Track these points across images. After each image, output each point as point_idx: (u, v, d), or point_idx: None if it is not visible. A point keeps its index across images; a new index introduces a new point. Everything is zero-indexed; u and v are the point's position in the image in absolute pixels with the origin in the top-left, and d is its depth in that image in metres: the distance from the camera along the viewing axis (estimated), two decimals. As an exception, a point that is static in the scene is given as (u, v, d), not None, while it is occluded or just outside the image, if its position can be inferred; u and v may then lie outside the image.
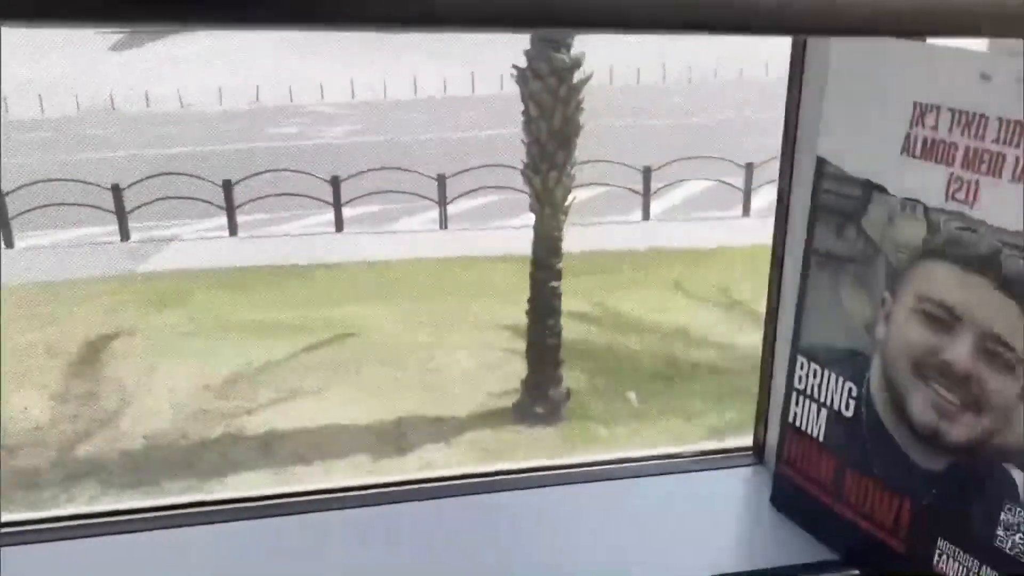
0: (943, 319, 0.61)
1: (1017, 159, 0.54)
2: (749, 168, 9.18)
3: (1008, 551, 0.60)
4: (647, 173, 9.17)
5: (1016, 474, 0.59)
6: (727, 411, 5.56)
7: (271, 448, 5.24)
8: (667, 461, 0.88)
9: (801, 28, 0.36)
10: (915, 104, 0.60)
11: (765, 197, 8.97)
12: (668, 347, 6.46)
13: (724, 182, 9.48)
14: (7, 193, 8.01)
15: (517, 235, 7.15)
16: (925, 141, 0.60)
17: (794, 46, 0.71)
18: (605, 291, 7.19)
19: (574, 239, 5.88)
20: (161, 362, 6.07)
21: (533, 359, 5.60)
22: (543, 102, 5.12)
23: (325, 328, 6.49)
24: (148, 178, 8.40)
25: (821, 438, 0.74)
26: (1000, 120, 0.55)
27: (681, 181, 9.62)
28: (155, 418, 5.45)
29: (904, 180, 0.62)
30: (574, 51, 5.19)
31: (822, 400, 0.73)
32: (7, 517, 0.82)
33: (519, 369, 5.73)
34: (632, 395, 5.89)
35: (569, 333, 5.88)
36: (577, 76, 5.21)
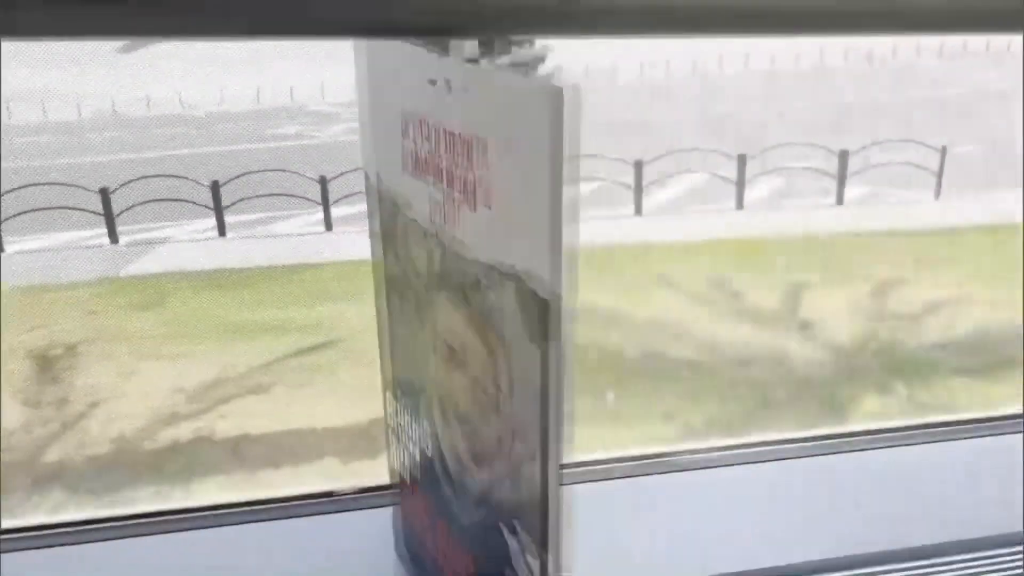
0: (453, 356, 0.54)
1: (467, 178, 0.47)
2: (742, 159, 9.01)
3: (521, 620, 0.53)
4: (638, 168, 9.03)
5: (506, 535, 0.51)
6: (708, 408, 5.45)
7: (239, 451, 5.23)
8: (318, 502, 0.81)
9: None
10: (402, 114, 0.53)
11: (762, 188, 8.83)
12: (649, 343, 6.35)
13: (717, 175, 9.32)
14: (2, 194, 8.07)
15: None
16: (414, 156, 0.53)
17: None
18: (594, 287, 7.09)
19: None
20: (139, 365, 6.09)
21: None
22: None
23: (306, 326, 6.47)
24: (131, 181, 8.42)
25: (417, 481, 0.67)
26: (451, 134, 0.48)
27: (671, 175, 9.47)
28: (127, 421, 5.46)
29: (409, 199, 0.55)
30: (538, 45, 5.11)
31: (411, 439, 0.66)
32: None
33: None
34: (610, 395, 5.80)
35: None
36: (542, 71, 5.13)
